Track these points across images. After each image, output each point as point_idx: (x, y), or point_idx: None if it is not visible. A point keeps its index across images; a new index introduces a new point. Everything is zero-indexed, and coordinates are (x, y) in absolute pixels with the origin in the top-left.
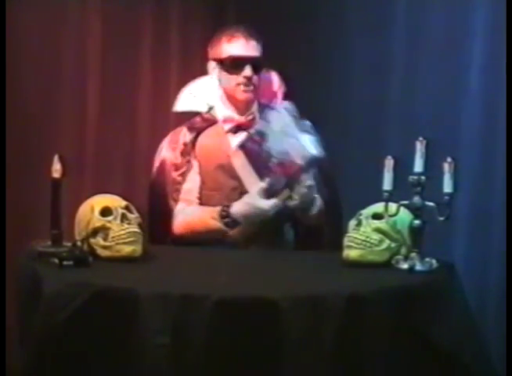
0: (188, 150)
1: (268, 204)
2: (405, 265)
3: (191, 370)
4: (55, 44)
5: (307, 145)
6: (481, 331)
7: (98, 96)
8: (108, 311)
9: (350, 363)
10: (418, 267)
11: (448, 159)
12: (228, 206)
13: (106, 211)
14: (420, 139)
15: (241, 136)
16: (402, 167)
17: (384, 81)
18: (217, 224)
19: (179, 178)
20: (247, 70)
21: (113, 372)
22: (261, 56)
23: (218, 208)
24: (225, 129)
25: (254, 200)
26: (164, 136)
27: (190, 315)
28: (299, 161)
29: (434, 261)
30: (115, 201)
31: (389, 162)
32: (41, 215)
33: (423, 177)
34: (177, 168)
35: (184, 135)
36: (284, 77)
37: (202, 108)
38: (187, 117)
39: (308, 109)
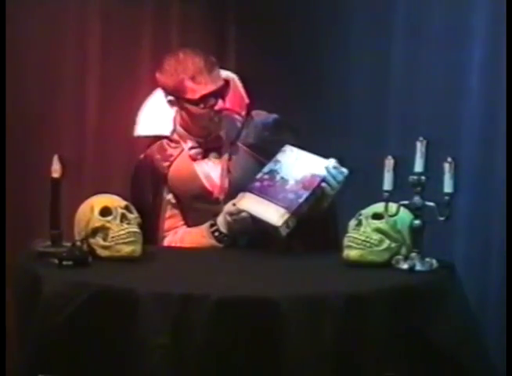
0: (160, 189)
1: (229, 206)
2: (405, 265)
3: (191, 370)
4: (55, 44)
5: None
6: (481, 331)
7: (98, 96)
8: (108, 311)
9: (350, 362)
10: (418, 267)
11: (449, 159)
12: (215, 222)
13: (105, 211)
14: (420, 139)
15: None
16: (402, 167)
17: (384, 81)
18: (209, 241)
19: (157, 221)
20: (220, 103)
21: (113, 372)
22: (224, 79)
23: (206, 226)
24: (192, 156)
25: (226, 206)
26: (146, 147)
27: (190, 315)
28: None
29: (434, 261)
30: (115, 201)
31: (389, 162)
32: (41, 215)
33: (423, 177)
34: (153, 208)
35: (152, 170)
36: (280, 79)
37: (165, 131)
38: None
39: (307, 109)
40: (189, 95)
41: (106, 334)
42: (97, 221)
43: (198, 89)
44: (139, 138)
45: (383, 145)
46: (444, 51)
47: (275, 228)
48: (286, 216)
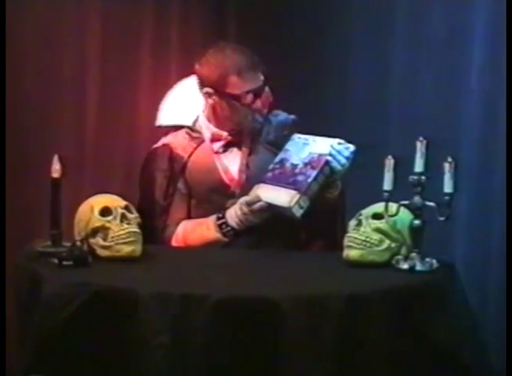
0: (176, 179)
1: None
2: (405, 265)
3: (191, 370)
4: (55, 44)
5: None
6: (481, 331)
7: (97, 96)
8: (108, 311)
9: (350, 363)
10: (418, 267)
11: (449, 159)
12: (222, 215)
13: (105, 211)
14: (420, 139)
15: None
16: (402, 167)
17: (384, 81)
18: (214, 234)
19: (166, 205)
20: (258, 103)
21: (113, 372)
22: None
23: (213, 219)
24: (214, 149)
25: (241, 199)
26: (163, 136)
27: (190, 315)
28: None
29: (434, 261)
30: (115, 201)
31: (389, 162)
32: (41, 215)
33: (423, 177)
34: (165, 196)
35: (170, 159)
36: (281, 78)
37: (187, 121)
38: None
39: (307, 109)
40: (231, 90)
41: (106, 334)
42: (97, 221)
43: (241, 85)
44: (160, 127)
45: (383, 145)
46: (444, 51)
47: (288, 210)
48: (297, 197)
